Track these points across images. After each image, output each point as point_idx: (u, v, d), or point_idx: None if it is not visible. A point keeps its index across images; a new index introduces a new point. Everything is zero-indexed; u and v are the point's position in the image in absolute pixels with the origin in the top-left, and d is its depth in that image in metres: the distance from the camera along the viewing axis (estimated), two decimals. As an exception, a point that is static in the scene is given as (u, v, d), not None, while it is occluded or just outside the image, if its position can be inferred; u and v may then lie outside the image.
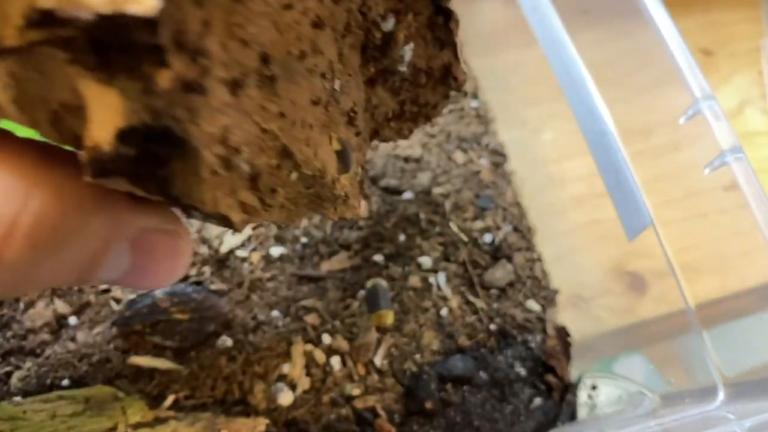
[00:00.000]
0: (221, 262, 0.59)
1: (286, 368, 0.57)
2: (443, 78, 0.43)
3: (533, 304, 0.63)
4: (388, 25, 0.38)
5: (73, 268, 0.25)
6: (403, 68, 0.41)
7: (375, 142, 0.53)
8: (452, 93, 0.45)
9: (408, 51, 0.40)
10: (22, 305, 0.55)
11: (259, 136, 0.25)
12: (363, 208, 0.41)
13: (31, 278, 0.23)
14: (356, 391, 0.56)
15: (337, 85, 0.33)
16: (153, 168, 0.22)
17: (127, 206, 0.26)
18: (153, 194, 0.23)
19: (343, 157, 0.34)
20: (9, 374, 0.53)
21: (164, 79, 0.19)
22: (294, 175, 0.29)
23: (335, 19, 0.33)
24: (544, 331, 0.62)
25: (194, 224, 0.60)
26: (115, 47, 0.18)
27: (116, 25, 0.17)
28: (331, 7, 0.32)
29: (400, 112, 0.43)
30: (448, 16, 0.40)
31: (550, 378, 0.60)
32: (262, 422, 0.50)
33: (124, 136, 0.20)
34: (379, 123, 0.43)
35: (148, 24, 0.18)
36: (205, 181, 0.22)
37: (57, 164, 0.23)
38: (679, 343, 0.70)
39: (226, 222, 0.26)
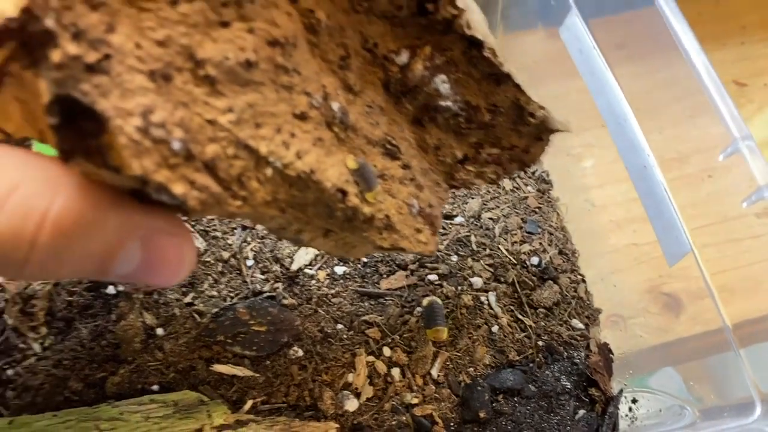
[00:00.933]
0: (292, 279, 0.65)
1: (351, 377, 0.62)
2: (517, 116, 0.43)
3: (577, 323, 0.67)
4: (402, 58, 0.41)
5: (94, 258, 0.29)
6: (447, 104, 0.42)
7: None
8: (548, 136, 0.45)
9: (441, 84, 0.42)
10: (114, 317, 0.61)
11: (203, 125, 0.29)
12: (431, 244, 0.42)
13: (60, 263, 0.28)
14: (415, 400, 0.61)
15: (336, 107, 0.36)
16: (87, 139, 0.27)
17: (138, 208, 0.30)
18: (101, 168, 0.27)
19: (361, 175, 0.36)
20: (104, 379, 0.59)
21: (56, 55, 0.25)
22: (268, 171, 0.32)
23: (321, 48, 0.37)
24: (587, 347, 0.67)
25: (268, 244, 0.66)
26: (27, 39, 0.26)
27: (21, 23, 0.25)
28: (308, 36, 0.36)
29: (476, 154, 0.45)
30: (478, 45, 0.40)
31: (594, 391, 0.64)
32: (333, 426, 0.56)
33: (49, 109, 0.26)
34: (451, 165, 0.45)
35: (34, 17, 0.25)
36: (127, 147, 0.26)
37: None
38: (714, 361, 0.73)
39: (175, 201, 0.28)
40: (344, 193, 0.35)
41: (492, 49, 0.41)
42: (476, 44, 0.40)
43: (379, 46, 0.40)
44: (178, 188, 0.28)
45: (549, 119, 0.44)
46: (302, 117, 0.34)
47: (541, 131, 0.45)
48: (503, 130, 0.44)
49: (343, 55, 0.38)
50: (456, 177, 0.46)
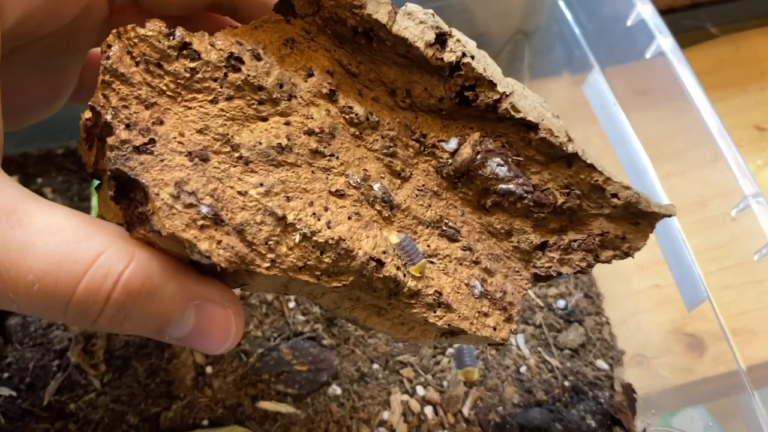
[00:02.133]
0: (330, 321, 0.69)
1: (386, 415, 0.66)
2: (599, 197, 0.42)
3: (602, 363, 0.71)
4: (452, 145, 0.42)
5: (154, 319, 0.34)
6: (508, 186, 0.41)
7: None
8: (649, 221, 0.43)
9: (498, 167, 0.41)
10: (167, 355, 0.66)
11: (234, 196, 0.34)
12: (503, 331, 0.41)
13: (126, 319, 0.33)
14: (447, 438, 0.65)
15: (377, 187, 0.39)
16: (136, 206, 0.33)
17: (196, 279, 0.35)
18: (150, 232, 0.32)
19: (403, 248, 0.37)
20: (158, 414, 0.63)
21: (111, 139, 0.32)
22: (296, 237, 0.35)
23: (365, 140, 0.40)
24: (612, 387, 0.70)
25: (307, 288, 0.71)
26: (100, 135, 0.35)
27: (93, 120, 0.34)
28: (350, 129, 0.40)
29: (558, 240, 0.43)
30: (533, 127, 0.41)
31: (618, 430, 0.67)
32: (370, 462, 0.60)
33: (108, 183, 0.33)
34: (528, 252, 0.44)
35: (96, 113, 0.33)
36: (161, 209, 0.31)
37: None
38: (737, 401, 0.75)
39: (204, 258, 0.32)
40: (380, 263, 0.37)
41: (549, 130, 0.41)
42: (532, 127, 0.41)
43: (428, 136, 0.42)
44: (204, 245, 0.32)
45: (640, 201, 0.42)
46: (339, 194, 0.38)
47: (637, 215, 0.43)
48: (586, 214, 0.43)
49: (389, 145, 0.41)
50: (537, 265, 0.44)
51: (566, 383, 0.68)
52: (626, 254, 0.44)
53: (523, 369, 0.68)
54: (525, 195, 0.42)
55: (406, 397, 0.67)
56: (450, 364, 0.69)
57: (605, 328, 0.73)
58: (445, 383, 0.67)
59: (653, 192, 0.64)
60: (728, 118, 0.70)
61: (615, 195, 0.42)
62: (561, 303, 0.73)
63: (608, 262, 0.44)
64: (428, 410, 0.66)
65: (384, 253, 0.37)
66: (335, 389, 0.66)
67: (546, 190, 0.42)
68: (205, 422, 0.63)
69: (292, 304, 0.69)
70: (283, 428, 0.63)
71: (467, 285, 0.41)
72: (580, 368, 0.69)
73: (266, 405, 0.64)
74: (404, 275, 0.38)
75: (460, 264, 0.41)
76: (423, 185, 0.42)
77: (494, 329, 0.41)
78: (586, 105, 0.81)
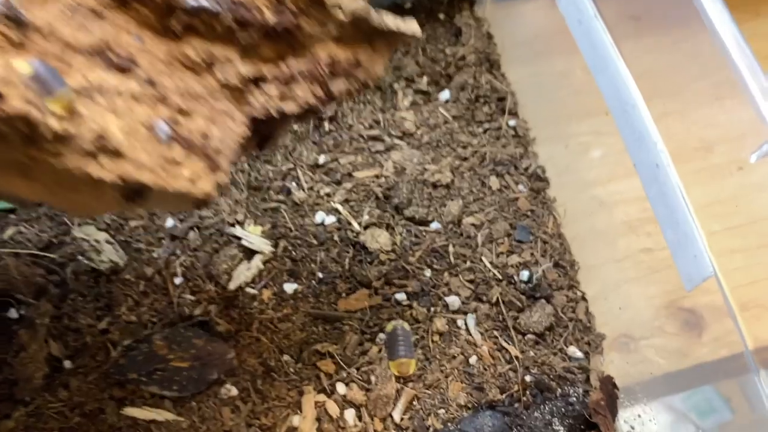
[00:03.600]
0: (229, 300, 0.54)
1: (296, 420, 0.51)
2: (318, 13, 0.37)
3: (575, 351, 0.56)
4: None
5: None
6: (199, 2, 0.35)
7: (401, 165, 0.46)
8: (387, 42, 0.39)
9: None
10: (14, 347, 0.51)
11: None
12: (205, 183, 0.34)
13: None
14: (373, 450, 0.50)
15: None
16: None
17: None
18: None
19: (37, 78, 0.29)
20: (-3, 423, 0.49)
21: None
22: None
23: None
24: (587, 381, 0.55)
25: (201, 258, 0.55)
26: None
27: None
28: None
29: (275, 70, 0.37)
30: None
31: (594, 437, 0.53)
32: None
33: None
34: (239, 88, 0.37)
35: None
36: None
37: None
38: (741, 385, 0.62)
39: None
40: None
41: None
42: None
43: None
44: None
45: (370, 16, 0.37)
46: None
47: (370, 34, 0.38)
48: (308, 36, 0.37)
49: None
50: (253, 103, 0.37)
51: (528, 378, 0.53)
52: (364, 84, 0.40)
53: (473, 360, 0.54)
54: (220, 11, 0.35)
55: (322, 397, 0.52)
56: (380, 354, 0.54)
57: (580, 305, 0.58)
58: (372, 379, 0.53)
59: (644, 132, 0.49)
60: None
61: (338, 6, 0.37)
62: (524, 274, 0.57)
63: (343, 98, 0.39)
64: (349, 414, 0.52)
65: (7, 84, 0.28)
66: (229, 389, 0.51)
67: (251, 6, 0.35)
68: (55, 435, 0.49)
69: (178, 280, 0.54)
70: (158, 441, 0.49)
71: (148, 127, 0.33)
72: (547, 358, 0.54)
73: (135, 412, 0.50)
74: (41, 113, 0.29)
75: (138, 102, 0.33)
76: (77, 3, 0.34)
77: (192, 181, 0.34)
78: (567, 31, 0.65)
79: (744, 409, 0.59)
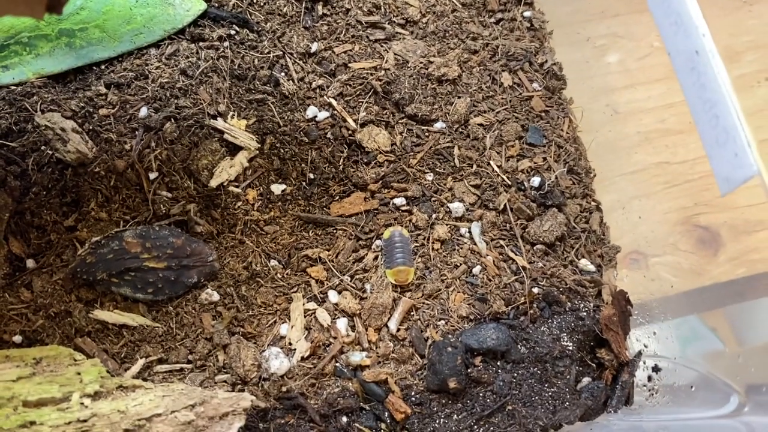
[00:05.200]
0: (210, 199, 0.49)
1: (283, 329, 0.47)
2: None
3: (587, 264, 0.52)
4: None
5: None
6: None
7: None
8: None
9: None
10: (-29, 243, 0.46)
11: None
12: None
13: None
14: (366, 361, 0.46)
15: None
16: None
17: None
18: None
19: None
20: (-47, 324, 0.45)
21: None
22: None
23: None
24: (598, 296, 0.51)
25: (179, 152, 0.50)
26: None
27: None
28: None
29: None
30: None
31: (603, 354, 0.49)
32: (247, 398, 0.41)
33: None
34: None
35: None
36: None
37: None
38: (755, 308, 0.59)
39: None
40: None
41: None
42: None
43: None
44: None
45: None
46: None
47: None
48: None
49: None
50: None
51: (536, 290, 0.49)
52: None
53: (476, 270, 0.49)
54: None
55: (312, 305, 0.48)
56: (377, 262, 0.49)
57: (594, 215, 0.54)
58: (367, 287, 0.48)
59: (683, 14, 0.43)
60: None
61: None
62: (536, 180, 0.52)
63: None
64: (341, 323, 0.47)
65: None
66: (210, 294, 0.47)
67: None
68: (17, 338, 0.45)
69: (153, 175, 0.49)
70: (130, 348, 0.45)
71: None
72: (557, 270, 0.50)
73: (104, 315, 0.45)
74: None
75: None
76: None
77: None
78: None
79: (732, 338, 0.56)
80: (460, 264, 0.50)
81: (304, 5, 0.56)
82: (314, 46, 0.55)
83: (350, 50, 0.55)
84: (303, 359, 0.46)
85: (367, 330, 0.48)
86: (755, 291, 0.59)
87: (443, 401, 0.46)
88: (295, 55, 0.54)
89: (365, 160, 0.52)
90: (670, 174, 0.63)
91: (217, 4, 0.55)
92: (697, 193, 0.61)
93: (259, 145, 0.51)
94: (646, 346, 0.51)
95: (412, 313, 0.48)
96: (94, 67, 0.52)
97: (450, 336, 0.47)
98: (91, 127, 0.50)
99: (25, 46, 0.51)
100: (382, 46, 0.56)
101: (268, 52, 0.54)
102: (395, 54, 0.55)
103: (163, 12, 0.53)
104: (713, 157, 0.42)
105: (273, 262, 0.49)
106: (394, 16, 0.57)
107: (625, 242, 0.57)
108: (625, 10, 0.68)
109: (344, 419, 0.44)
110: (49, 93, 0.50)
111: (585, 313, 0.50)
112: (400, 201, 0.52)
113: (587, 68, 0.64)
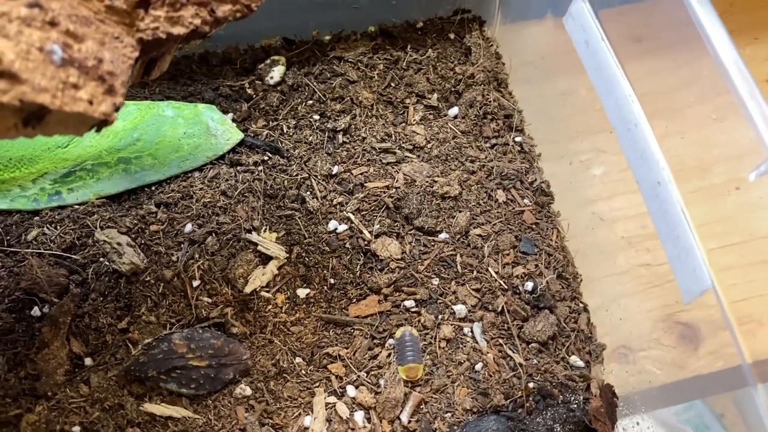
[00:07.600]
0: (244, 304, 0.56)
1: (307, 421, 0.53)
2: None
3: (577, 360, 0.58)
4: None
5: None
6: None
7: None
8: None
9: None
10: (36, 343, 0.53)
11: None
12: (103, 105, 0.35)
13: None
14: (381, 450, 0.52)
15: None
16: None
17: None
18: None
19: None
20: (19, 417, 0.51)
21: None
22: None
23: None
24: (588, 389, 0.57)
25: (219, 262, 0.57)
26: None
27: None
28: None
29: None
30: None
31: (593, 443, 0.55)
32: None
33: None
34: (128, 12, 0.37)
35: None
36: None
37: None
38: (737, 399, 0.64)
39: None
40: None
41: None
42: None
43: None
44: None
45: None
46: None
47: None
48: None
49: None
50: (141, 27, 0.37)
51: (531, 385, 0.55)
52: (248, 8, 0.39)
53: (478, 366, 0.56)
54: None
55: (333, 398, 0.54)
56: (390, 359, 0.56)
57: (582, 316, 0.61)
58: (381, 382, 0.55)
59: (647, 150, 0.51)
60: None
61: None
62: (529, 285, 0.60)
63: (227, 19, 0.39)
64: (359, 416, 0.53)
65: None
66: (244, 389, 0.53)
67: None
68: (76, 428, 0.51)
69: (196, 283, 0.56)
70: (175, 437, 0.51)
71: (41, 50, 0.32)
72: (550, 366, 0.56)
73: (153, 408, 0.51)
74: None
75: (28, 25, 0.32)
76: None
77: (90, 103, 0.34)
78: (571, 53, 0.68)
79: (738, 425, 0.61)
80: (464, 361, 0.56)
81: (326, 135, 0.65)
82: (335, 169, 0.63)
83: (366, 172, 0.64)
84: (325, 448, 0.52)
85: (381, 422, 0.54)
86: (731, 383, 0.65)
87: (450, 487, 0.51)
88: (319, 177, 0.63)
89: (379, 267, 0.60)
90: (651, 275, 0.70)
91: (252, 134, 0.65)
92: (677, 293, 0.68)
93: (288, 255, 0.59)
94: (631, 435, 0.57)
95: (421, 406, 0.54)
96: (146, 189, 0.61)
97: (455, 427, 0.53)
98: (143, 241, 0.57)
99: (88, 172, 0.59)
100: (393, 168, 0.64)
101: (296, 175, 0.63)
102: (404, 175, 0.64)
103: (206, 142, 0.62)
104: (677, 271, 0.49)
105: (298, 359, 0.56)
106: (403, 142, 0.66)
107: (612, 338, 0.63)
108: (607, 128, 0.77)
109: (362, 503, 0.50)
110: (107, 211, 0.59)
111: (575, 405, 0.56)
112: (410, 303, 0.59)
113: (573, 182, 0.72)
